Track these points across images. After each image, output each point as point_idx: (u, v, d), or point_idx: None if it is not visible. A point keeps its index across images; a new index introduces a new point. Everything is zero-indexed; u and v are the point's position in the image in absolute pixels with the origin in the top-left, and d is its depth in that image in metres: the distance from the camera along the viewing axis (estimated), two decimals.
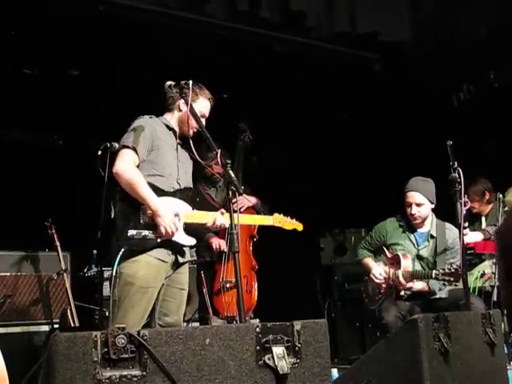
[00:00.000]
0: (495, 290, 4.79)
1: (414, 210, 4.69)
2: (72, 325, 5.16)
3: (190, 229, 3.76)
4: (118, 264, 3.58)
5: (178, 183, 3.73)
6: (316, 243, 7.59)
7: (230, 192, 3.26)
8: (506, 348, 4.00)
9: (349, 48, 6.34)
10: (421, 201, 4.68)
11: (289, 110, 6.77)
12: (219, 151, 3.31)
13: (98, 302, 5.01)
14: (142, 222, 3.54)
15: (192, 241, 3.74)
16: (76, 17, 5.18)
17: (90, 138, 3.74)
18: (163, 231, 3.51)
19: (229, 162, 3.31)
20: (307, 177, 7.37)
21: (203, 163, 3.93)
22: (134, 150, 3.58)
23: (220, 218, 3.70)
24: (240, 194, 3.39)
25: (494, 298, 4.77)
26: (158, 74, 3.83)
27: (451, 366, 2.88)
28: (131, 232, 3.50)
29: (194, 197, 3.83)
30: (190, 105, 3.65)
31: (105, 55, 5.67)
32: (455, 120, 6.69)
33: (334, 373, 4.20)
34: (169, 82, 3.67)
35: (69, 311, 5.22)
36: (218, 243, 4.85)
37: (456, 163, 4.03)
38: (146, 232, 3.52)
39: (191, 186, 3.85)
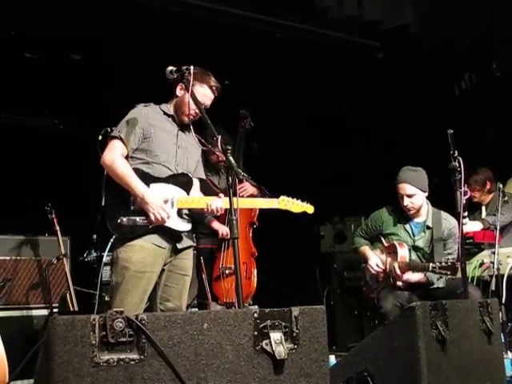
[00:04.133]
0: (493, 279, 4.80)
1: (406, 201, 4.65)
2: (71, 309, 5.17)
3: (191, 214, 3.74)
4: (116, 249, 3.62)
5: (177, 169, 3.72)
6: (316, 231, 7.60)
7: (231, 178, 3.25)
8: (502, 337, 4.02)
9: (351, 35, 6.32)
10: (412, 192, 4.63)
11: (290, 96, 6.76)
12: (219, 137, 3.28)
13: (97, 286, 5.03)
14: (132, 208, 3.56)
15: (187, 226, 3.72)
16: (79, 0, 5.16)
17: (91, 123, 3.73)
18: (153, 218, 3.53)
19: (229, 147, 3.28)
20: (307, 164, 7.37)
21: (214, 150, 3.82)
22: (122, 140, 3.62)
23: (216, 202, 3.64)
24: (240, 180, 3.38)
25: (493, 287, 4.78)
26: (160, 60, 3.81)
27: (448, 354, 2.90)
28: (121, 219, 3.53)
29: (189, 183, 3.75)
30: (191, 91, 3.61)
31: (107, 40, 5.65)
32: (456, 109, 6.67)
33: (332, 360, 4.22)
34: (170, 68, 3.64)
35: (68, 296, 5.23)
36: (224, 230, 4.78)
37: (456, 152, 4.03)
38: (137, 218, 3.55)
39: (189, 172, 3.79)
